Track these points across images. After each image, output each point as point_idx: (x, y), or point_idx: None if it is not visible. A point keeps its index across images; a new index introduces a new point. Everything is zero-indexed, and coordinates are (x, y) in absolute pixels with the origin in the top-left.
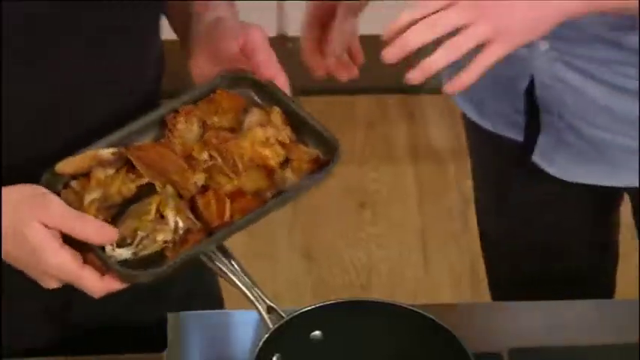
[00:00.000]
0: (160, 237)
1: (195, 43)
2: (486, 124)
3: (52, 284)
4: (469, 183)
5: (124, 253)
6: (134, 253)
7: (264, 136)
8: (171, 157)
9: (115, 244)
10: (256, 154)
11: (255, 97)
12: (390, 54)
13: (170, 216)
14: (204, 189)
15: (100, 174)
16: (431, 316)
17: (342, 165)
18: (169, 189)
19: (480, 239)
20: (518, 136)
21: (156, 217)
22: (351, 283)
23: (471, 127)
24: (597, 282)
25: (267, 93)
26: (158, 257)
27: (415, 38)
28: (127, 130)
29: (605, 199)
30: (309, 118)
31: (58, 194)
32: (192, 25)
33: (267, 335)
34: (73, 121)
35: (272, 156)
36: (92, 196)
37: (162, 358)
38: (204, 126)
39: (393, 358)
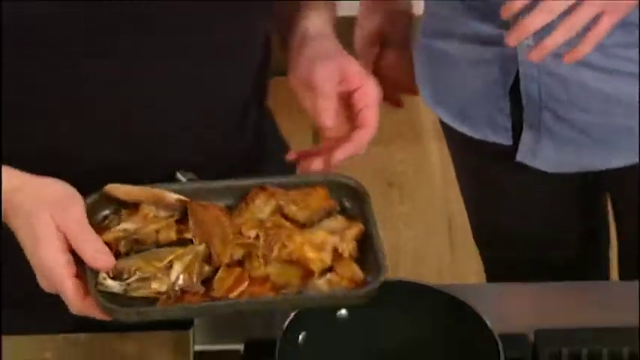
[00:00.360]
0: (154, 285)
1: (291, 57)
2: (468, 131)
3: (42, 281)
4: None
5: (115, 286)
6: (124, 290)
7: (322, 241)
8: (223, 224)
9: (109, 274)
10: (302, 252)
11: (346, 203)
12: (513, 38)
13: (175, 269)
14: (238, 263)
15: (149, 211)
16: (457, 296)
17: (369, 145)
18: (201, 248)
19: (473, 233)
20: (501, 139)
21: (164, 266)
22: None
23: (451, 134)
24: (591, 269)
25: (359, 205)
26: (148, 304)
27: (535, 22)
28: (206, 187)
29: (589, 186)
30: (378, 242)
31: (105, 217)
32: (289, 34)
33: (293, 314)
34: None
35: (315, 260)
36: (127, 226)
37: (189, 336)
38: (279, 211)
39: (419, 338)
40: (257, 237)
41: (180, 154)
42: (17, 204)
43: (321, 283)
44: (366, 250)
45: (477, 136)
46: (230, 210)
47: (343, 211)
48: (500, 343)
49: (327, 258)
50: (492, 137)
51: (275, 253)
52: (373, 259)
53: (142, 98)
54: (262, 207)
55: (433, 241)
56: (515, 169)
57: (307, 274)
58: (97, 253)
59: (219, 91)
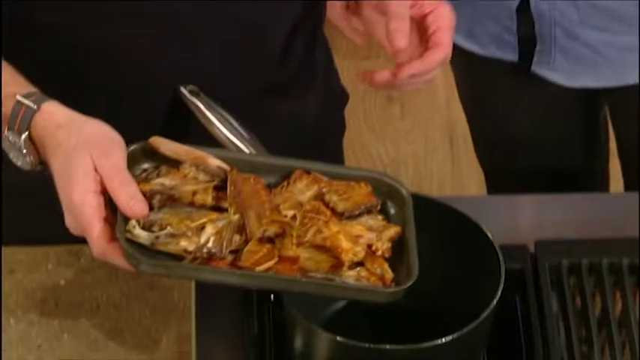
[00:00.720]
0: (183, 243)
1: None
2: (474, 47)
3: (69, 221)
4: None
5: (143, 236)
6: (152, 243)
7: (358, 234)
8: (261, 199)
9: (140, 224)
10: (336, 240)
11: (388, 203)
12: None
13: (207, 232)
14: (269, 240)
15: (189, 172)
16: (458, 209)
17: (371, 60)
18: (235, 218)
19: (475, 147)
20: (508, 55)
21: (196, 227)
22: None
23: (457, 52)
24: (590, 182)
25: (400, 208)
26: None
27: None
28: (251, 160)
29: (591, 99)
30: (413, 248)
31: (143, 170)
32: None
33: None
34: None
35: (348, 251)
36: (166, 181)
37: None
38: (319, 197)
39: (419, 250)
40: (294, 217)
41: (219, 72)
42: (59, 141)
43: (350, 275)
44: (400, 253)
45: (484, 53)
46: (270, 188)
47: (383, 212)
48: (500, 254)
49: (360, 252)
50: (499, 54)
51: (309, 236)
52: (405, 263)
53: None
54: (304, 190)
55: (434, 156)
56: (519, 83)
57: (337, 263)
58: (132, 199)
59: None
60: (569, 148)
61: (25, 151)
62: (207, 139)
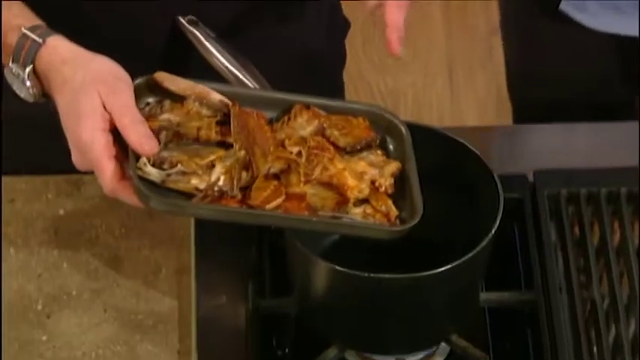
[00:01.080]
0: (194, 181)
1: None
2: None
3: (76, 158)
4: (496, 10)
5: (154, 174)
6: (162, 181)
7: (362, 171)
8: (266, 134)
9: (150, 161)
10: (342, 178)
11: (387, 139)
12: None
13: (217, 170)
14: (274, 176)
15: (193, 107)
16: (457, 138)
17: None
18: (241, 154)
19: (507, 77)
20: None
21: (206, 164)
22: None
23: None
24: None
25: (399, 144)
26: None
27: None
28: (249, 93)
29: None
30: (415, 183)
31: (147, 104)
32: None
33: None
34: None
35: (353, 188)
36: (171, 117)
37: None
38: (320, 132)
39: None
40: (299, 154)
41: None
42: (65, 77)
43: (356, 213)
44: (402, 190)
45: None
46: (271, 122)
47: (382, 147)
48: (499, 183)
49: (365, 189)
50: None
51: (316, 173)
52: (408, 200)
53: None
54: (304, 125)
55: (433, 87)
56: (558, 22)
57: (342, 200)
58: (143, 137)
59: None
60: (606, 87)
61: (28, 83)
62: (206, 72)
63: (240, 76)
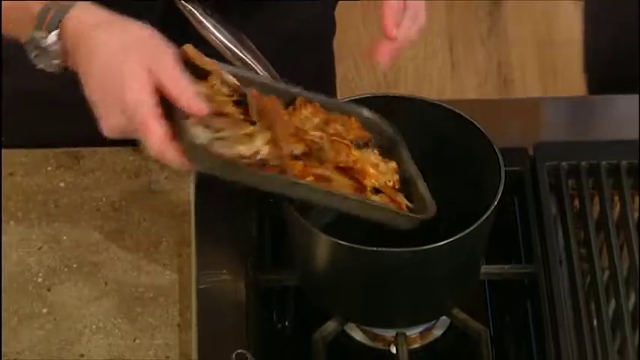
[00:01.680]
0: (241, 148)
1: None
2: None
3: (116, 121)
4: None
5: (200, 135)
6: (209, 143)
7: (375, 162)
8: (284, 117)
9: (196, 123)
10: (362, 164)
11: (379, 140)
12: None
13: (259, 139)
14: (294, 158)
15: (216, 83)
16: (458, 111)
17: None
18: (268, 134)
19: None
20: None
21: (244, 135)
22: (378, 82)
23: None
24: None
25: (391, 146)
26: None
27: None
28: (256, 80)
29: None
30: (418, 177)
31: None
32: None
33: None
34: None
35: (372, 177)
36: (201, 88)
37: None
38: (326, 124)
39: (420, 152)
40: (321, 138)
41: None
42: (99, 41)
43: (375, 199)
44: (407, 192)
45: None
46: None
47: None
48: (500, 156)
49: (380, 178)
50: None
51: (342, 157)
52: (415, 196)
53: None
54: (310, 117)
55: (434, 61)
56: None
57: (360, 187)
58: (192, 98)
59: None
60: None
61: (54, 48)
62: (203, 49)
63: (237, 51)
